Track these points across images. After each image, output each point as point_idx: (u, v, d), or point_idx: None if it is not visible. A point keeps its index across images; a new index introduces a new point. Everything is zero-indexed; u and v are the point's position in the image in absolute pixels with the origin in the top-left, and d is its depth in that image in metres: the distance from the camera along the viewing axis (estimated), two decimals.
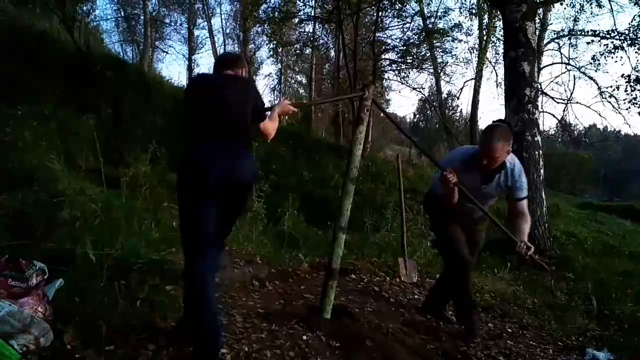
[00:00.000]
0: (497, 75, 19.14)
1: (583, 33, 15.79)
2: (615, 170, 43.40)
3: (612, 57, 14.15)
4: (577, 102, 19.26)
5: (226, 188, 2.52)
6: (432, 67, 20.25)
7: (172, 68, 71.64)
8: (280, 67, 27.90)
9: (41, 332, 2.22)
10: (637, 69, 13.39)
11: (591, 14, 15.37)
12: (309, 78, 25.66)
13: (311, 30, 22.17)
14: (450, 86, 31.49)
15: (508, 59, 7.39)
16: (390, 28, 19.66)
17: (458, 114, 35.88)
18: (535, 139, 7.11)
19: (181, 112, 2.70)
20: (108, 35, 26.41)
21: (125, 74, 11.45)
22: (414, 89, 22.96)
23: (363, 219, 6.91)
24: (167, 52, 31.25)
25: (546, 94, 17.42)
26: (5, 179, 4.42)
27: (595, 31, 15.04)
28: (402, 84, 22.30)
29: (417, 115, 46.29)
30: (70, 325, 2.40)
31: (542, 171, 7.21)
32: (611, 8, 14.08)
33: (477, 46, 19.50)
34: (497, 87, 20.18)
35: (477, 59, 19.59)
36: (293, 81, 31.21)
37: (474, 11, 17.02)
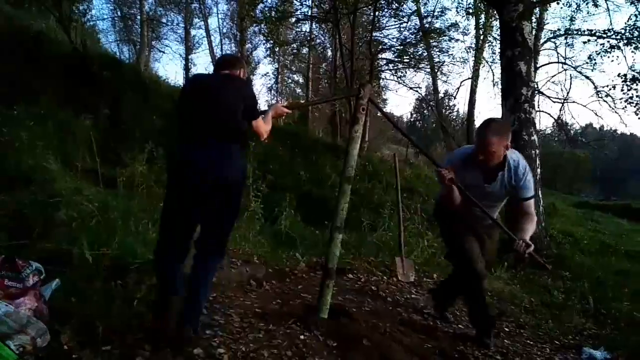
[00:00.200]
0: (493, 75, 19.25)
1: (579, 32, 15.82)
2: (611, 169, 43.58)
3: (609, 57, 14.22)
4: (573, 102, 19.35)
5: (211, 187, 2.56)
6: (429, 66, 20.28)
7: (169, 68, 71.66)
8: (277, 66, 27.91)
9: (38, 333, 2.22)
10: (633, 68, 13.43)
11: (587, 13, 15.43)
12: (306, 78, 25.65)
13: (308, 30, 22.22)
14: (447, 86, 31.44)
15: (505, 59, 7.39)
16: (387, 27, 19.70)
17: (455, 114, 35.97)
18: (532, 138, 7.13)
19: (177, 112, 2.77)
20: (105, 35, 26.39)
21: (122, 74, 11.41)
22: (410, 88, 23.07)
23: (360, 219, 6.92)
24: (163, 52, 31.36)
25: (543, 94, 17.47)
26: (2, 180, 4.42)
27: (591, 30, 15.08)
28: (399, 83, 22.40)
29: (414, 115, 46.40)
30: (67, 326, 2.40)
31: (538, 170, 7.23)
32: (607, 7, 14.11)
33: (473, 46, 19.56)
34: (493, 86, 20.29)
35: (473, 58, 19.66)
36: (290, 81, 31.20)
37: (470, 11, 17.06)
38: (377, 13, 17.71)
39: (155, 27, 26.82)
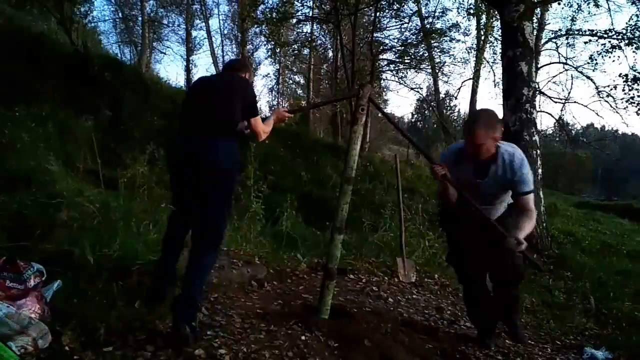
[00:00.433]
0: (494, 75, 19.27)
1: (580, 33, 15.82)
2: (612, 169, 43.56)
3: (610, 57, 14.21)
4: (574, 102, 19.29)
5: (196, 172, 2.69)
6: (430, 67, 20.30)
7: (170, 69, 71.71)
8: (278, 67, 27.98)
9: (39, 334, 2.22)
10: (634, 68, 13.42)
11: (589, 13, 15.43)
12: (307, 78, 25.68)
13: (309, 31, 22.21)
14: (448, 86, 31.58)
15: (506, 59, 7.39)
16: (388, 28, 19.69)
17: (456, 114, 36.05)
18: (533, 138, 7.12)
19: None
20: (106, 36, 26.48)
21: (123, 75, 11.41)
22: (411, 89, 23.05)
23: (361, 219, 6.92)
24: (165, 53, 31.37)
25: (544, 94, 17.46)
26: (3, 181, 4.42)
27: (592, 31, 15.06)
28: (400, 84, 22.41)
29: (415, 116, 46.40)
30: (69, 327, 2.40)
31: (540, 170, 7.23)
32: (608, 7, 14.14)
33: (474, 46, 19.60)
34: (494, 86, 20.34)
35: (474, 58, 19.71)
36: (291, 81, 31.25)
37: (471, 11, 17.06)
38: (378, 14, 17.73)
39: (157, 29, 26.87)
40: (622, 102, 14.44)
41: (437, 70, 20.56)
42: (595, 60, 15.22)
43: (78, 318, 2.48)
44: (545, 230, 7.31)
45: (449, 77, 23.01)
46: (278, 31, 18.13)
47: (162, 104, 11.57)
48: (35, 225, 3.52)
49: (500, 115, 7.61)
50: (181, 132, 2.83)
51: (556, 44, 18.06)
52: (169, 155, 2.96)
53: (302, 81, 29.22)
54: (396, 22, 18.84)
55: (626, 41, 13.15)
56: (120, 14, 25.97)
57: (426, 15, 18.32)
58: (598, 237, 9.80)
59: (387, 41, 19.85)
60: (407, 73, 21.46)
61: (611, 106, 15.73)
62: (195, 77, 26.91)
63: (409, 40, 18.97)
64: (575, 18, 15.86)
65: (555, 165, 31.17)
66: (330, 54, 24.26)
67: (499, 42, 10.25)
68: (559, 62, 17.94)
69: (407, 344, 3.05)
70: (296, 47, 22.78)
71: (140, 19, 25.21)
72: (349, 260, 5.07)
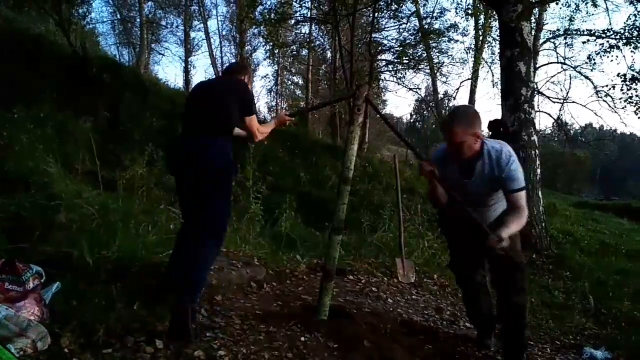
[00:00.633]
0: (493, 75, 19.30)
1: (579, 32, 15.87)
2: (611, 169, 43.61)
3: (608, 57, 14.26)
4: (573, 102, 19.37)
5: (193, 171, 2.79)
6: (428, 67, 20.32)
7: (169, 70, 71.44)
8: (276, 68, 28.00)
9: (38, 336, 2.22)
10: (632, 68, 13.46)
11: (587, 13, 15.48)
12: (306, 79, 25.70)
13: (307, 32, 22.24)
14: (447, 86, 31.33)
15: (504, 59, 7.40)
16: (386, 29, 19.75)
17: None
18: (532, 138, 7.13)
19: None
20: (104, 37, 26.41)
21: (122, 76, 11.41)
22: (410, 89, 23.12)
23: (360, 220, 6.91)
24: (163, 54, 31.31)
25: (542, 94, 17.53)
26: (2, 182, 4.42)
27: (590, 30, 15.13)
28: (399, 84, 22.44)
29: (414, 116, 46.39)
30: (68, 329, 2.40)
31: (538, 170, 7.24)
32: (607, 7, 14.19)
33: (473, 46, 19.61)
34: (493, 86, 20.40)
35: (473, 59, 19.72)
36: (289, 82, 31.26)
37: (470, 11, 17.08)
38: (376, 14, 17.75)
39: (155, 30, 26.89)
40: (620, 102, 14.52)
41: (435, 71, 20.57)
42: (594, 60, 15.30)
43: (77, 320, 2.48)
44: (544, 230, 7.31)
45: (447, 78, 23.01)
46: (276, 32, 18.12)
47: (161, 105, 11.57)
48: (34, 227, 3.52)
49: (499, 115, 7.63)
50: (182, 133, 2.94)
51: (554, 44, 18.15)
52: (169, 157, 3.05)
53: (300, 82, 29.25)
54: (394, 22, 18.93)
55: (624, 41, 13.20)
56: (118, 15, 25.99)
57: (424, 15, 18.40)
58: (597, 237, 9.80)
59: (385, 42, 19.96)
60: (405, 73, 21.55)
61: (610, 106, 15.82)
62: (193, 79, 27.06)
63: (408, 41, 19.05)
64: (574, 18, 15.91)
65: (554, 165, 31.17)
66: (329, 54, 24.33)
67: (497, 42, 10.25)
68: (557, 62, 18.03)
69: (406, 345, 3.05)
70: (295, 48, 22.85)
71: (138, 20, 25.19)
72: (348, 261, 5.07)
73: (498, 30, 8.66)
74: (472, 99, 20.48)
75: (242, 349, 2.59)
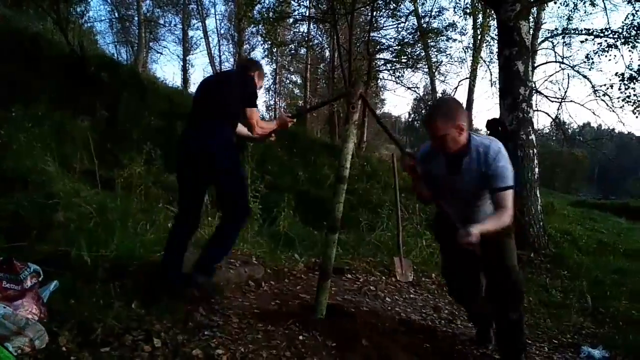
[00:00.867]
0: (491, 74, 19.35)
1: (577, 32, 15.90)
2: (609, 168, 43.67)
3: (606, 56, 14.30)
4: (571, 101, 19.49)
5: (199, 156, 2.99)
6: (426, 66, 20.37)
7: (167, 69, 71.83)
8: (275, 67, 27.98)
9: (36, 335, 2.22)
10: (630, 67, 13.48)
11: (585, 12, 15.53)
12: (304, 78, 25.72)
13: (306, 31, 22.26)
14: (445, 85, 31.35)
15: (502, 58, 7.40)
16: (384, 28, 19.76)
17: None
18: (530, 137, 7.13)
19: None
20: (102, 36, 26.36)
21: (120, 75, 11.39)
22: (408, 88, 23.15)
23: (359, 219, 6.92)
24: (161, 53, 31.35)
25: (540, 93, 17.57)
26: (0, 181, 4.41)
27: (589, 30, 15.15)
28: (397, 83, 22.48)
29: (412, 115, 46.33)
30: (66, 327, 2.40)
31: (536, 169, 7.23)
32: (605, 7, 14.22)
33: (471, 45, 19.63)
34: (491, 86, 20.37)
35: (471, 58, 19.74)
36: (288, 81, 31.31)
37: (468, 10, 17.11)
38: (374, 13, 17.75)
39: (153, 29, 26.83)
40: (618, 101, 14.51)
41: (433, 70, 20.62)
42: (592, 59, 15.35)
43: (75, 318, 2.48)
44: (542, 229, 7.31)
45: (445, 77, 23.08)
46: (275, 31, 18.12)
47: (159, 104, 11.55)
48: (32, 225, 3.52)
49: (497, 114, 7.64)
50: (188, 123, 3.15)
51: (552, 43, 18.21)
52: (178, 144, 3.14)
53: (299, 81, 29.31)
54: (393, 21, 18.94)
55: (622, 40, 13.21)
56: (116, 14, 25.88)
57: (423, 14, 18.43)
58: (595, 236, 9.82)
59: (383, 41, 19.95)
60: (404, 72, 21.60)
61: (607, 105, 15.86)
62: (192, 77, 27.03)
63: (406, 40, 19.03)
64: (572, 17, 15.96)
65: (552, 164, 31.22)
66: (327, 53, 24.34)
67: (496, 41, 10.27)
68: (556, 61, 18.09)
69: (404, 344, 3.05)
70: (293, 46, 22.85)
71: (136, 18, 25.12)
72: (347, 260, 5.07)
73: (496, 29, 8.66)
74: (470, 98, 20.54)
75: (240, 348, 2.59)
